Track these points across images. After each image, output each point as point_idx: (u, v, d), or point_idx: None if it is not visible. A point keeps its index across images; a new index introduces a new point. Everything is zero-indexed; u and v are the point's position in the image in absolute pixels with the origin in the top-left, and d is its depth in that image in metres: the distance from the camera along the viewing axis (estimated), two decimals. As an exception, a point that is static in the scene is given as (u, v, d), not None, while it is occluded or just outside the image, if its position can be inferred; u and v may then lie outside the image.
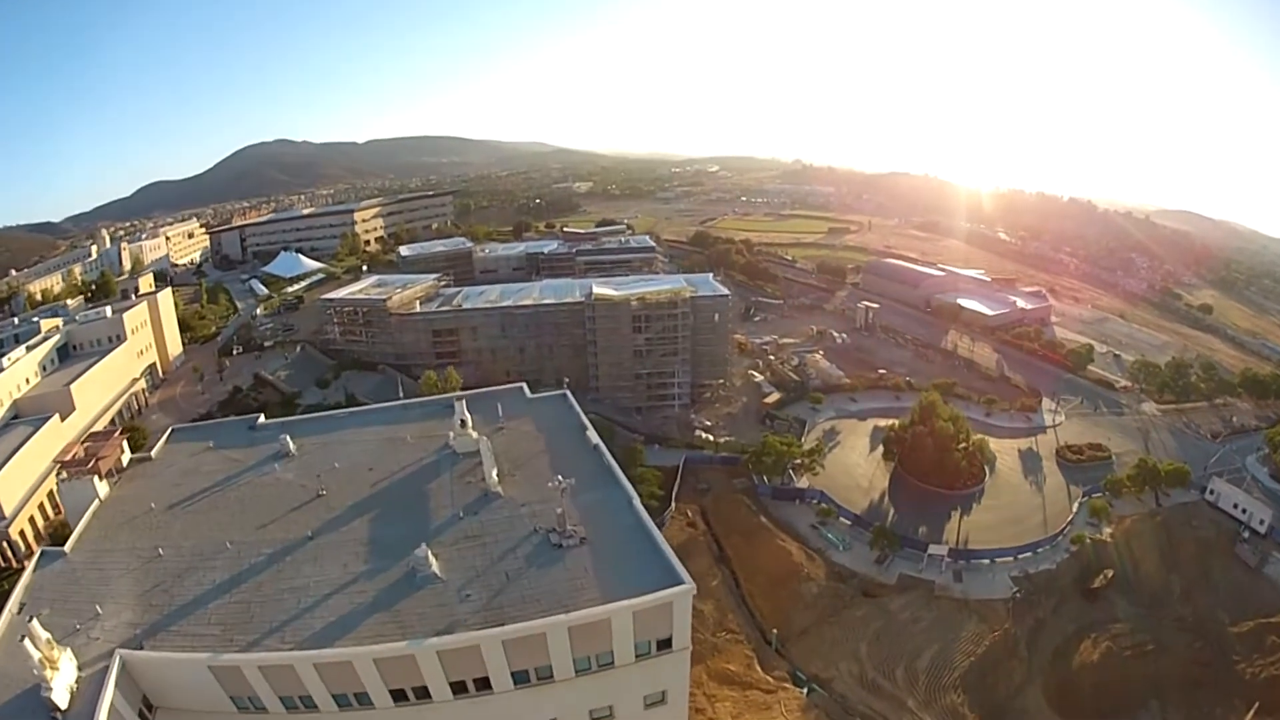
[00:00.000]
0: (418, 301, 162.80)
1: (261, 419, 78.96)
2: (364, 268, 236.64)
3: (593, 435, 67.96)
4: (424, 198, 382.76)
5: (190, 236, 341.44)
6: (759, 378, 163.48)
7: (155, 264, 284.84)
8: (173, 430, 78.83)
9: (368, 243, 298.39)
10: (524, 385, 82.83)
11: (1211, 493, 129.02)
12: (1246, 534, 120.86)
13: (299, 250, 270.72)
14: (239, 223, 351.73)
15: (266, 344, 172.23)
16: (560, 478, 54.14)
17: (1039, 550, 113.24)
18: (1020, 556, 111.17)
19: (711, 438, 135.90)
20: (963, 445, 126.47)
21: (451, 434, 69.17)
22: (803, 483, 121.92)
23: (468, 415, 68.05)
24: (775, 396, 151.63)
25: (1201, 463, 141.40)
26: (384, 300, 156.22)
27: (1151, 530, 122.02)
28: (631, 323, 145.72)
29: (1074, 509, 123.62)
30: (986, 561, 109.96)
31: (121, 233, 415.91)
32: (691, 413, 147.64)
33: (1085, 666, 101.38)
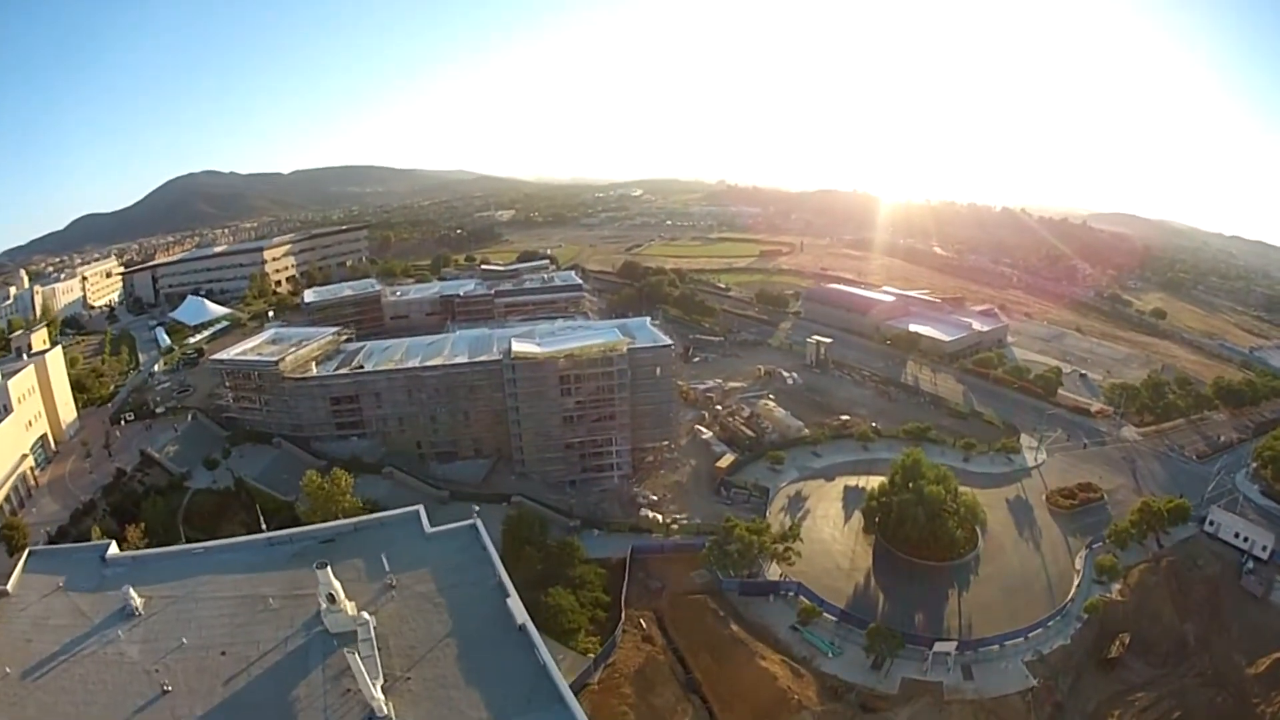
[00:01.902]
0: (314, 362, 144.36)
1: (113, 549, 65.49)
2: (269, 313, 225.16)
3: (517, 608, 51.05)
4: (337, 233, 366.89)
5: (109, 276, 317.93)
6: (706, 434, 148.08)
7: (68, 308, 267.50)
8: (29, 554, 65.73)
9: (278, 283, 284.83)
10: (420, 512, 65.85)
11: (1211, 524, 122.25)
12: (1250, 564, 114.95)
13: (209, 293, 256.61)
14: (159, 260, 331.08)
15: (158, 410, 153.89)
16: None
17: (1050, 624, 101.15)
18: (1031, 636, 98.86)
19: (660, 517, 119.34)
20: (953, 508, 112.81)
21: (322, 604, 51.97)
22: (774, 572, 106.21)
23: (337, 587, 50.53)
24: (729, 459, 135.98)
25: (1192, 487, 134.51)
26: (276, 362, 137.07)
27: (1160, 579, 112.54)
28: (559, 384, 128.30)
29: (1077, 567, 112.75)
30: (996, 648, 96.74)
31: (51, 269, 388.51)
32: (633, 484, 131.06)
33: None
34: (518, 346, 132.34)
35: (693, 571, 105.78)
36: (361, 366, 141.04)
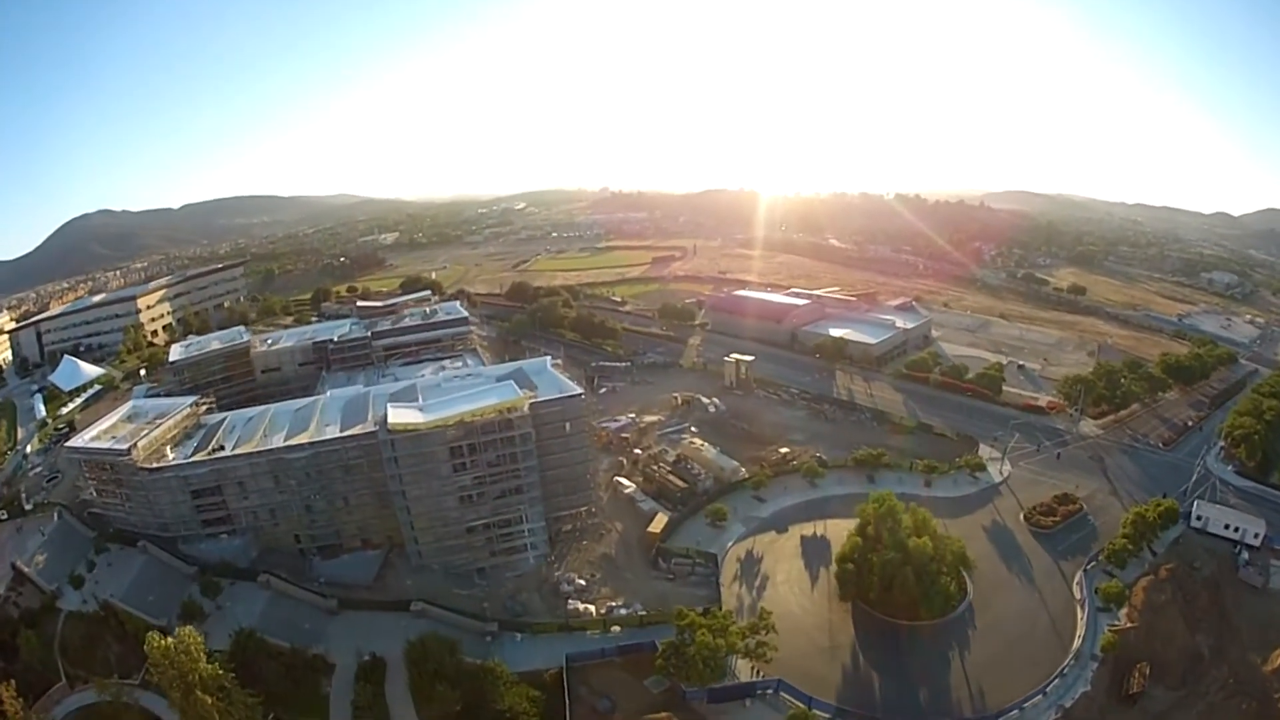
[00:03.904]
0: (169, 445, 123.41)
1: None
2: (142, 371, 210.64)
3: None
4: (214, 271, 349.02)
5: (2, 332, 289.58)
6: (629, 487, 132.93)
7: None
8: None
9: (154, 334, 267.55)
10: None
11: (1198, 518, 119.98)
12: (1245, 554, 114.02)
13: (88, 348, 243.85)
14: (46, 313, 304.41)
15: (27, 506, 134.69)
16: None
17: (1065, 673, 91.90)
18: (1049, 689, 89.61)
19: (593, 609, 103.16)
20: (941, 554, 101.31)
21: None
22: (743, 667, 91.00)
23: None
24: (661, 520, 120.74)
25: (1167, 479, 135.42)
26: (128, 450, 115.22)
27: (1167, 596, 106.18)
28: (450, 458, 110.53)
29: (1078, 596, 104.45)
30: (1016, 713, 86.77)
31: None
32: (554, 565, 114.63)
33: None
34: (396, 415, 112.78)
35: (646, 679, 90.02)
36: (221, 447, 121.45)
